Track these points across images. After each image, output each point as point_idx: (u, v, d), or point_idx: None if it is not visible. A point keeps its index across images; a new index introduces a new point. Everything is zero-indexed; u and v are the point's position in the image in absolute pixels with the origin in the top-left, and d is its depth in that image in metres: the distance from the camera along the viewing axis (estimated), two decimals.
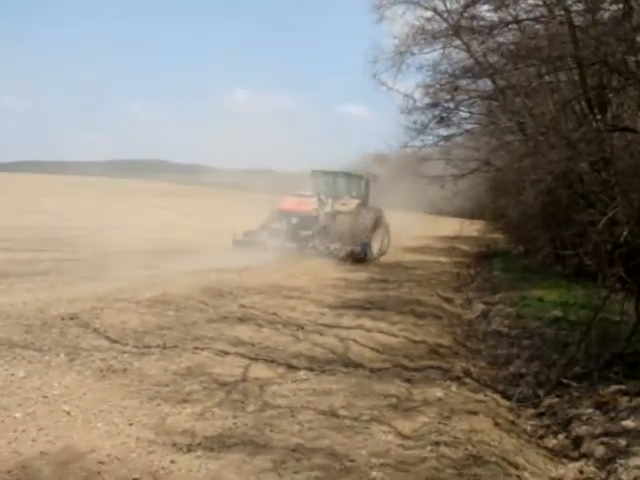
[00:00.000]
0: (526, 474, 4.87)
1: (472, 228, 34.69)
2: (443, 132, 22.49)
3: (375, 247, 22.87)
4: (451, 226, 28.88)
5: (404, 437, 5.30)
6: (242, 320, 9.52)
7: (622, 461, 5.32)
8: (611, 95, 10.23)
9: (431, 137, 21.74)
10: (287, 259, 18.00)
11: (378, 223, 23.21)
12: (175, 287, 11.50)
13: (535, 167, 11.65)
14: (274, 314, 10.25)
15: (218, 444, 4.81)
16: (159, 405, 5.55)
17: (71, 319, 8.31)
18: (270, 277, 14.26)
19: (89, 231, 22.39)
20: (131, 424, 5.03)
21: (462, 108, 21.43)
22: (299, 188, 23.14)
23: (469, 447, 5.15)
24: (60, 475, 4.01)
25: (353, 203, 22.81)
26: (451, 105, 20.25)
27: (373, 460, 4.74)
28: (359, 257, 20.61)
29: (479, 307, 14.26)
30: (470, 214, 29.32)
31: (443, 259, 25.59)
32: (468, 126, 23.69)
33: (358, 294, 13.68)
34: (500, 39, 17.82)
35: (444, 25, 19.14)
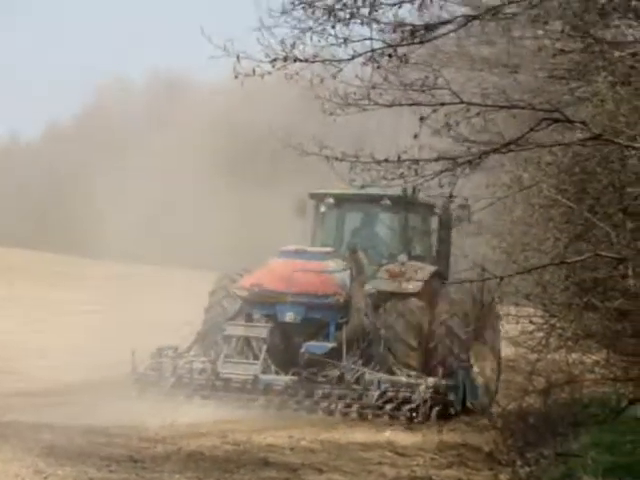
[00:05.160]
0: None
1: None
2: None
3: (481, 378, 11.58)
4: None
5: None
6: None
7: None
8: None
9: None
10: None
11: (483, 321, 11.31)
12: None
13: None
14: None
15: None
16: None
17: None
18: None
19: None
20: None
21: None
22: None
23: None
24: None
25: (422, 272, 11.32)
26: None
27: None
28: (449, 409, 10.53)
29: None
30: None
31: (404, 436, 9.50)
32: None
33: None
34: None
35: None
